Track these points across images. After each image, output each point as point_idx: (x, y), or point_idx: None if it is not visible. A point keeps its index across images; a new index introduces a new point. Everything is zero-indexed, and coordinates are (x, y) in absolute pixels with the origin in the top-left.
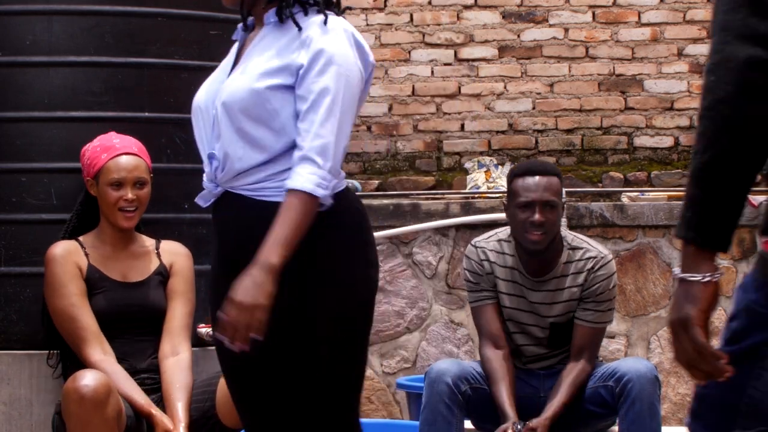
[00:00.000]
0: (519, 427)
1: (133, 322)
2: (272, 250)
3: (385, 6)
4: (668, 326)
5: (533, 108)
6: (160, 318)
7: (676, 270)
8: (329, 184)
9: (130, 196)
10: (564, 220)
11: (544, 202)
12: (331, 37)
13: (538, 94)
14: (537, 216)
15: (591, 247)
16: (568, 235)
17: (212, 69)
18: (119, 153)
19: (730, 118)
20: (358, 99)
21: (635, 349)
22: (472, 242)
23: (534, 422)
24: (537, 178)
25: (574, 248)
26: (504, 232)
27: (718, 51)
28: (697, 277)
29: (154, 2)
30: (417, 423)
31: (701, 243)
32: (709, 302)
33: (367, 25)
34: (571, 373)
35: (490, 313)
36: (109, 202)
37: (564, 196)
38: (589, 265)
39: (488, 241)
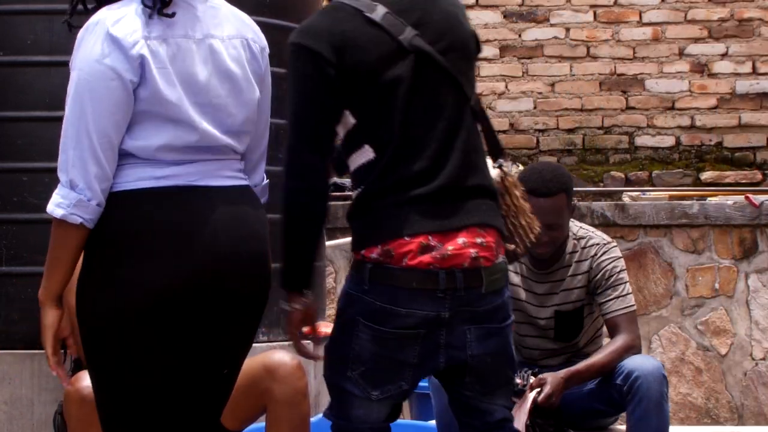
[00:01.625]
0: (527, 374)
1: None
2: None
3: None
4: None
5: (534, 107)
6: None
7: (282, 302)
8: (70, 201)
9: None
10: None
11: (548, 225)
12: (80, 41)
13: (540, 93)
14: (542, 238)
15: (594, 235)
16: (574, 226)
17: None
18: None
19: (289, 223)
20: (116, 95)
21: None
22: None
23: (545, 375)
24: (541, 200)
25: (580, 238)
26: None
27: (285, 178)
28: (287, 308)
29: None
30: (419, 422)
31: (288, 288)
32: (299, 320)
33: None
34: (612, 343)
35: None
36: None
37: (573, 200)
38: (593, 252)
39: None
